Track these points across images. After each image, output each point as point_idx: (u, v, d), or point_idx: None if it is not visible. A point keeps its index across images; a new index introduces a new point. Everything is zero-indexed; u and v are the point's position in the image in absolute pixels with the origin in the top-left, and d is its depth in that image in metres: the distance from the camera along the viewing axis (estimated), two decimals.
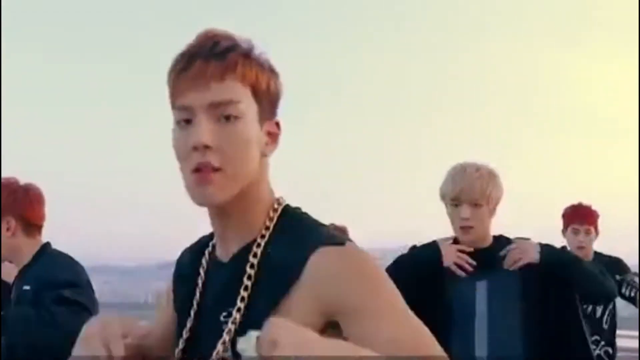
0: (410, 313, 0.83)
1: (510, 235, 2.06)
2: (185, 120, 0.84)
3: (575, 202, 3.47)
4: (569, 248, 3.14)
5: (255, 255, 0.86)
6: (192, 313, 0.93)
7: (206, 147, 0.81)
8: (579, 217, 3.33)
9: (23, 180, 2.03)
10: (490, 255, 1.96)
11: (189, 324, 0.92)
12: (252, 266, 0.86)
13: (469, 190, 1.90)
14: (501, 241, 2.00)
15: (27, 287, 2.02)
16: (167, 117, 0.90)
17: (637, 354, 7.53)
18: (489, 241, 1.99)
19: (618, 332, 3.57)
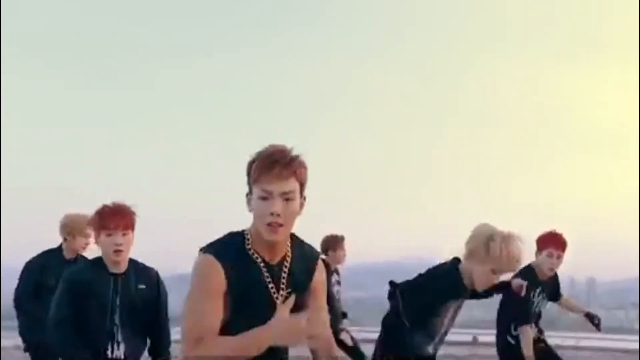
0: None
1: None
2: (263, 198, 1.66)
3: (571, 216, 4.53)
4: (539, 267, 3.77)
5: (287, 261, 1.76)
6: (269, 295, 1.71)
7: (278, 215, 1.64)
8: (556, 244, 3.77)
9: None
10: None
11: (277, 300, 1.72)
12: (287, 267, 1.75)
13: None
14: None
15: (142, 286, 2.85)
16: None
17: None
18: None
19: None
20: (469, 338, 9.69)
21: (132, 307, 2.79)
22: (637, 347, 8.55)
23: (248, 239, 1.71)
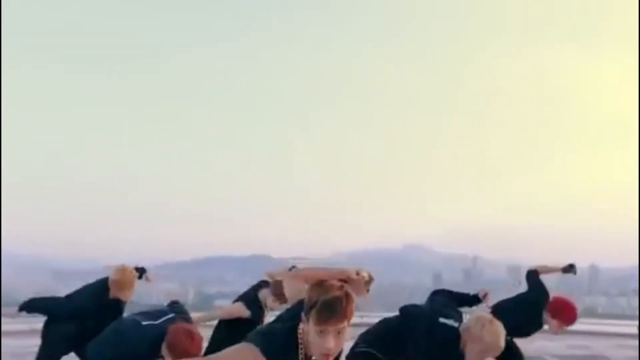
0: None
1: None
2: (321, 331, 1.91)
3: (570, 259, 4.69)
4: (546, 327, 3.91)
5: None
6: None
7: (330, 348, 1.93)
8: (572, 320, 3.85)
9: None
10: None
11: None
12: None
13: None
14: None
15: None
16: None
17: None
18: None
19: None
20: None
21: None
22: (637, 331, 9.21)
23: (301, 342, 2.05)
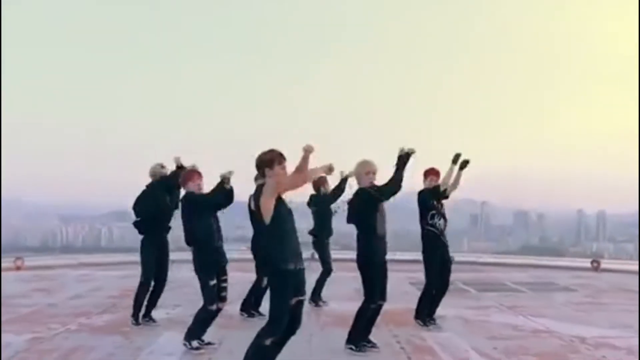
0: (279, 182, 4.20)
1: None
2: (283, 167, 4.22)
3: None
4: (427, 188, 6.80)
5: None
6: None
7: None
8: (434, 174, 6.79)
9: None
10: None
11: None
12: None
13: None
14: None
15: None
16: None
17: None
18: None
19: None
20: None
21: None
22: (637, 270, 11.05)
23: None
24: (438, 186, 6.68)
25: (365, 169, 5.55)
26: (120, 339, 6.11)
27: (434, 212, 6.64)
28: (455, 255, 14.50)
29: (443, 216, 6.70)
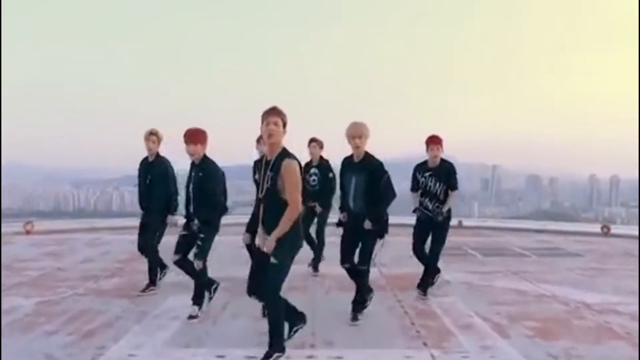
0: (298, 188, 4.03)
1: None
2: (266, 124, 4.03)
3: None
4: (429, 158, 6.40)
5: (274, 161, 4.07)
6: (264, 178, 4.07)
7: (272, 129, 4.03)
8: (434, 141, 6.34)
9: None
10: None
11: (263, 183, 4.09)
12: (271, 164, 4.07)
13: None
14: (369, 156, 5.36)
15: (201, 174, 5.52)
16: None
17: None
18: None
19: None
20: (455, 222, 12.40)
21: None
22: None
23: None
24: (431, 170, 6.50)
25: (346, 132, 5.36)
26: (127, 302, 6.20)
27: (420, 190, 6.59)
28: (464, 220, 14.68)
29: (429, 193, 6.51)
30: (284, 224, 4.00)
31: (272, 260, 4.04)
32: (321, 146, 7.79)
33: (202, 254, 5.52)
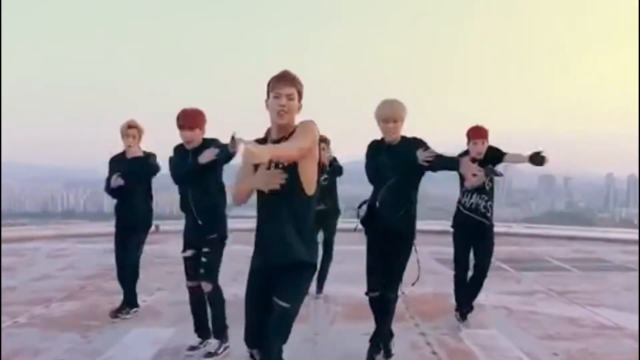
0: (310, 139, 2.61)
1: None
2: (275, 97, 2.66)
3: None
4: (471, 154, 4.88)
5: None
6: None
7: (283, 106, 2.66)
8: (478, 135, 4.96)
9: None
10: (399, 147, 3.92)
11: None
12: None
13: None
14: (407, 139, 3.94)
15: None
16: None
17: None
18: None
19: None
20: None
21: None
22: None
23: None
24: (477, 160, 4.80)
25: (378, 113, 3.99)
26: (76, 337, 4.87)
27: (465, 188, 5.12)
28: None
29: (478, 192, 5.06)
30: (280, 149, 2.56)
31: (280, 302, 2.70)
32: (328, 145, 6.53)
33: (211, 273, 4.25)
